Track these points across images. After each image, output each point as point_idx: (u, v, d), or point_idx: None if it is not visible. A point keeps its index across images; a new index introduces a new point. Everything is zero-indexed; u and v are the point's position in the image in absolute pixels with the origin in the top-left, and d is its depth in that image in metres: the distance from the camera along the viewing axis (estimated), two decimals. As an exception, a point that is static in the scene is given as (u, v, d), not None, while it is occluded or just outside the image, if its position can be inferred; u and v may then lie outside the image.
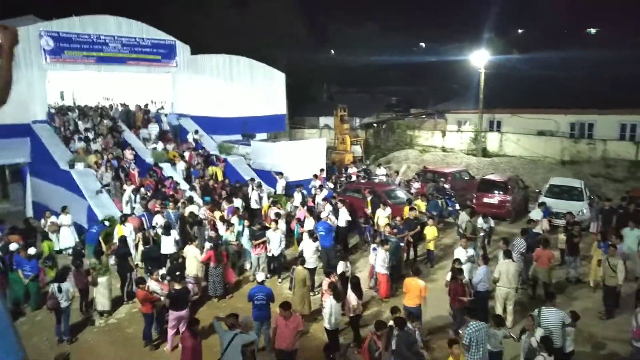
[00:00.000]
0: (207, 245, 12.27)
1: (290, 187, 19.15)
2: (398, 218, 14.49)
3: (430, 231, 14.00)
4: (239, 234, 13.49)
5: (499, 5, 58.11)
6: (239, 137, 25.27)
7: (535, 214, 15.31)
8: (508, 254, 10.99)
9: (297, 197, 17.25)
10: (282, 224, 13.85)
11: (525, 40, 65.47)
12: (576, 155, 23.82)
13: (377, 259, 11.84)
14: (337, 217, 15.00)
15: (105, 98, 26.92)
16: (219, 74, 26.44)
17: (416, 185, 20.98)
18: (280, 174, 19.49)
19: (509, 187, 18.51)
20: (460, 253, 11.70)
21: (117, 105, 24.71)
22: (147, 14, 28.73)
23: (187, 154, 20.68)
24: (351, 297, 9.76)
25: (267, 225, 13.66)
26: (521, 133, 26.19)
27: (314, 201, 17.25)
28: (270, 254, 13.13)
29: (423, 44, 67.80)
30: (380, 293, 11.99)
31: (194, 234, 13.12)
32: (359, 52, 45.86)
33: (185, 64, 25.17)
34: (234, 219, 13.91)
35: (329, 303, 9.23)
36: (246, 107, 27.04)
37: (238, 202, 16.00)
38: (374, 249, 12.28)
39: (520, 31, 74.11)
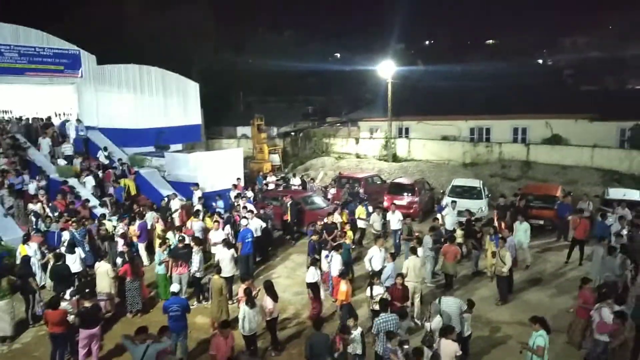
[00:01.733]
0: (119, 260, 11.95)
1: (207, 198, 19.04)
2: (319, 223, 14.98)
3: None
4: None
5: (408, 18, 61.60)
6: (152, 149, 24.66)
7: (446, 212, 16.44)
8: (413, 250, 11.84)
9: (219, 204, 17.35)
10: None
11: (432, 51, 69.84)
12: (476, 157, 25.86)
13: (333, 264, 12.04)
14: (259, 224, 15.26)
15: (3, 111, 25.07)
16: (128, 84, 25.65)
17: (332, 191, 21.75)
18: (196, 184, 19.32)
19: (416, 189, 19.78)
20: (375, 252, 12.41)
21: (14, 118, 23.14)
22: (49, 23, 27.18)
23: (101, 173, 19.78)
24: (267, 300, 10.00)
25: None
26: (427, 138, 27.97)
27: (231, 210, 17.32)
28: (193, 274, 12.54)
29: (338, 54, 69.87)
30: (335, 295, 11.78)
31: (105, 249, 12.68)
32: (276, 60, 46.30)
33: (91, 74, 24.12)
34: (169, 234, 13.49)
35: (242, 309, 9.42)
36: (159, 117, 26.48)
37: (150, 217, 15.64)
38: (327, 256, 12.58)
39: (427, 42, 78.87)
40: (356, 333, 8.69)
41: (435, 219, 16.33)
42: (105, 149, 22.05)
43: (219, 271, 11.13)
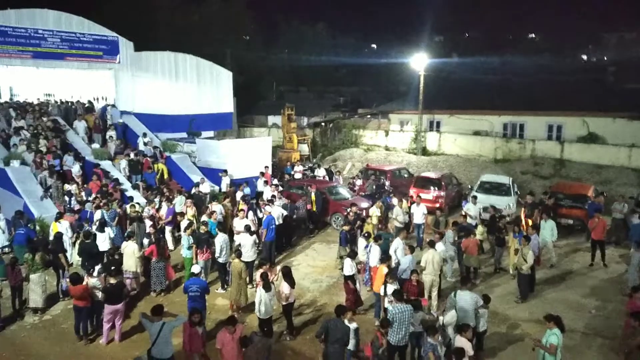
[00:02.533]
0: (146, 241, 12.40)
1: (235, 185, 19.42)
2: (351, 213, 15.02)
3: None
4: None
5: (448, 10, 60.64)
6: (184, 135, 25.24)
7: (467, 208, 16.34)
8: (432, 244, 11.81)
9: (239, 194, 17.58)
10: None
11: (471, 44, 68.46)
12: (508, 153, 25.34)
13: (372, 255, 12.07)
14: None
15: (46, 94, 26.15)
16: (164, 71, 26.25)
17: (358, 182, 21.79)
18: (224, 171, 19.71)
19: (443, 183, 19.58)
20: (399, 243, 12.42)
21: (56, 101, 24.09)
22: (90, 9, 28.10)
23: (133, 156, 20.36)
24: (284, 285, 10.21)
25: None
26: (458, 133, 27.55)
27: (257, 198, 17.60)
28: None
29: (374, 46, 69.42)
30: (372, 284, 11.66)
31: (133, 230, 13.16)
32: (310, 52, 46.43)
33: (128, 61, 24.81)
34: (204, 218, 13.85)
35: (258, 292, 9.66)
36: (192, 105, 27.03)
37: (179, 202, 16.07)
38: (365, 246, 12.62)
39: (466, 35, 77.31)
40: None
41: (461, 215, 16.17)
42: (145, 134, 22.66)
43: (239, 255, 11.40)
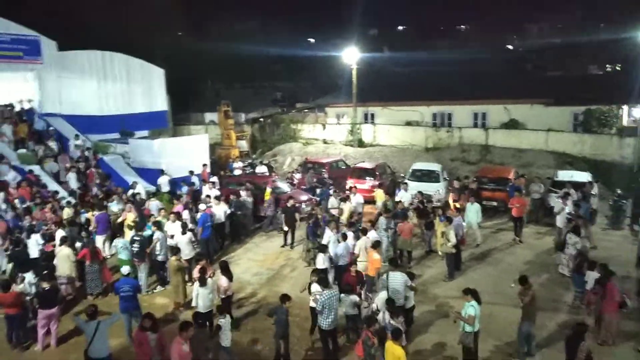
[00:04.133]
0: (78, 244, 12.20)
1: (175, 184, 19.27)
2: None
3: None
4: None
5: (382, 3, 61.89)
6: (117, 135, 24.59)
7: (401, 195, 17.13)
8: (364, 232, 12.42)
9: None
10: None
11: (404, 36, 70.45)
12: (438, 142, 26.60)
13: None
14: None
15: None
16: (91, 70, 25.37)
17: (297, 176, 22.21)
18: (162, 171, 19.50)
19: (377, 173, 20.37)
20: (329, 235, 12.92)
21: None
22: (9, 8, 26.55)
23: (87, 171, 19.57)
24: (222, 279, 10.44)
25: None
26: (391, 124, 28.57)
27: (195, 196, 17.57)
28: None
29: (312, 40, 69.76)
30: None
31: (66, 234, 12.87)
32: (245, 46, 46.04)
33: (52, 61, 23.74)
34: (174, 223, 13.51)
35: (195, 287, 9.85)
36: (124, 104, 26.36)
37: (115, 207, 15.78)
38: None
39: (400, 28, 79.37)
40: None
41: (395, 202, 16.92)
42: (77, 136, 21.82)
43: (176, 253, 11.48)
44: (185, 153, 21.45)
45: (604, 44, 42.90)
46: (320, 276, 10.02)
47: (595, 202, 16.95)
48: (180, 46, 41.94)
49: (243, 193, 17.00)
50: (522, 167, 22.47)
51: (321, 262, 11.80)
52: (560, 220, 14.58)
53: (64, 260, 11.77)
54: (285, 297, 9.25)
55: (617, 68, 43.28)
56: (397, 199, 16.98)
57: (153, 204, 15.72)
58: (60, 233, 13.00)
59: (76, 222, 14.13)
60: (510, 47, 66.32)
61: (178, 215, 14.03)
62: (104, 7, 38.00)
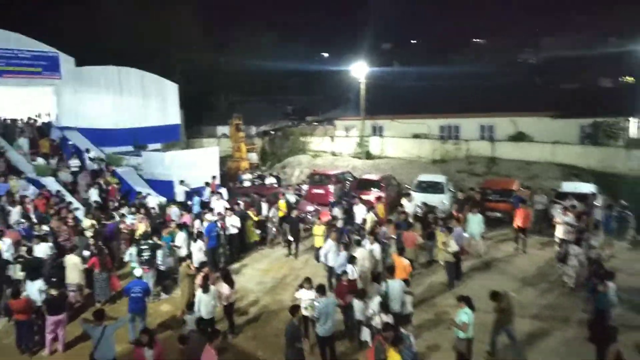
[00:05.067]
0: (86, 253, 12.67)
1: (190, 195, 19.78)
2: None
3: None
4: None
5: (396, 17, 62.60)
6: (131, 148, 25.31)
7: (405, 206, 17.39)
8: (358, 243, 12.75)
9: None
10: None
11: (418, 50, 70.90)
12: (445, 154, 26.83)
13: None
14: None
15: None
16: (107, 85, 26.25)
17: (305, 187, 22.60)
18: (182, 182, 20.12)
19: (382, 184, 20.65)
20: (329, 246, 13.20)
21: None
22: (29, 25, 27.69)
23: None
24: (223, 287, 10.78)
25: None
26: (399, 137, 28.88)
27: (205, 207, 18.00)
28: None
29: (326, 54, 70.69)
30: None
31: (75, 243, 13.37)
32: (260, 61, 46.83)
33: (70, 76, 24.66)
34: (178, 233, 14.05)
35: (198, 294, 10.21)
36: (138, 118, 27.12)
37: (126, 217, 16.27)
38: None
39: (414, 42, 79.93)
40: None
41: (400, 212, 17.18)
42: (88, 150, 22.52)
43: (185, 260, 11.95)
44: (196, 165, 21.99)
45: (617, 57, 42.74)
46: (320, 285, 10.27)
47: (598, 213, 16.95)
48: (195, 60, 42.83)
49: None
50: (528, 179, 22.56)
51: (350, 273, 11.39)
52: (560, 231, 14.66)
53: (72, 268, 12.22)
54: (295, 309, 9.18)
55: (629, 80, 43.04)
56: (401, 209, 17.26)
57: (174, 210, 16.41)
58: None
59: (83, 231, 14.57)
60: (520, 60, 66.32)
61: (183, 226, 14.53)
62: (121, 23, 39.11)
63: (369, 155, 28.71)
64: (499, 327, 9.87)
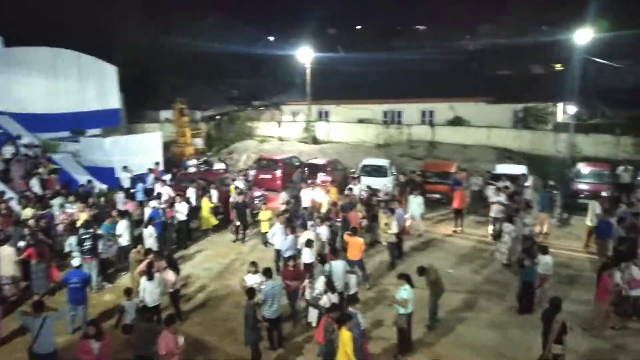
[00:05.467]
0: (21, 243, 12.21)
1: (134, 181, 19.29)
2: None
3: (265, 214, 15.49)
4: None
5: (339, 3, 62.70)
6: (67, 134, 24.24)
7: (352, 188, 17.82)
8: (304, 226, 13.06)
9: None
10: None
11: (362, 35, 71.52)
12: (389, 138, 27.60)
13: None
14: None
15: None
16: (40, 67, 24.87)
17: (252, 172, 22.59)
18: (125, 167, 19.55)
19: (329, 168, 21.03)
20: (277, 228, 13.45)
21: None
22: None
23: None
24: (168, 273, 10.76)
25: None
26: (345, 121, 29.36)
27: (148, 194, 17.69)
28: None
29: (272, 38, 69.84)
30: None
31: (8, 233, 12.83)
32: (204, 43, 45.69)
33: (-2, 57, 23.21)
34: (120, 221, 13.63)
35: (142, 281, 10.15)
36: (75, 102, 25.95)
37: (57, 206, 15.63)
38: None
39: (359, 27, 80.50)
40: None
41: (345, 195, 17.58)
42: (19, 137, 21.32)
43: (135, 246, 11.83)
44: (138, 151, 21.45)
45: (549, 45, 45.01)
46: (265, 268, 10.48)
47: (529, 193, 18.12)
48: (136, 42, 41.19)
49: (191, 190, 17.18)
50: (466, 162, 23.63)
51: (307, 256, 12.01)
52: (494, 210, 15.61)
53: (6, 260, 11.72)
54: (252, 292, 9.29)
55: (559, 68, 45.54)
56: (346, 192, 17.68)
57: (119, 197, 16.11)
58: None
59: (18, 221, 13.99)
60: (459, 47, 68.47)
61: (125, 213, 14.25)
62: (55, 1, 36.94)
63: (315, 140, 29.00)
64: (433, 299, 10.58)
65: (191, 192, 17.15)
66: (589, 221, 14.97)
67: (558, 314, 8.55)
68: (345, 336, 8.02)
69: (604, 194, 17.26)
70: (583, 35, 22.19)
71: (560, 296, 9.20)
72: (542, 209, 16.43)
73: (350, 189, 17.41)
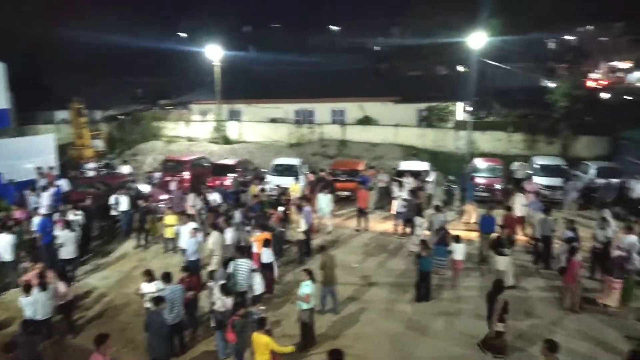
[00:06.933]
0: None
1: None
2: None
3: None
4: None
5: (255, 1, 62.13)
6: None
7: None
8: (215, 227, 12.75)
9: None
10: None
11: (274, 34, 71.49)
12: (300, 138, 27.79)
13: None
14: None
15: None
16: None
17: (157, 175, 21.66)
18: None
19: (238, 169, 20.71)
20: (183, 230, 13.02)
21: None
22: None
23: None
24: (59, 284, 10.00)
25: None
26: (256, 121, 29.12)
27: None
28: None
29: (184, 34, 67.49)
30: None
31: None
32: (107, 38, 43.00)
33: None
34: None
35: (35, 292, 9.34)
36: (-47, 101, 23.28)
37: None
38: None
39: (275, 25, 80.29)
40: None
41: (254, 196, 17.38)
42: None
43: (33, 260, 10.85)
44: (29, 155, 19.82)
45: (451, 47, 47.68)
46: (165, 272, 10.07)
47: (431, 188, 19.10)
48: (28, 37, 37.85)
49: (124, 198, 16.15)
50: (374, 159, 24.41)
51: (265, 257, 11.78)
52: (397, 205, 16.23)
53: None
54: (159, 300, 8.84)
55: (462, 69, 48.47)
56: (256, 192, 17.51)
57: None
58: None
59: None
60: (369, 47, 70.68)
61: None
62: None
63: (227, 140, 28.47)
64: (324, 285, 10.95)
65: (124, 199, 16.10)
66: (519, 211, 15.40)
67: (500, 295, 9.10)
68: (264, 340, 8.00)
69: (497, 186, 18.68)
70: (477, 39, 23.74)
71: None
72: (467, 200, 17.53)
73: (263, 190, 17.29)
